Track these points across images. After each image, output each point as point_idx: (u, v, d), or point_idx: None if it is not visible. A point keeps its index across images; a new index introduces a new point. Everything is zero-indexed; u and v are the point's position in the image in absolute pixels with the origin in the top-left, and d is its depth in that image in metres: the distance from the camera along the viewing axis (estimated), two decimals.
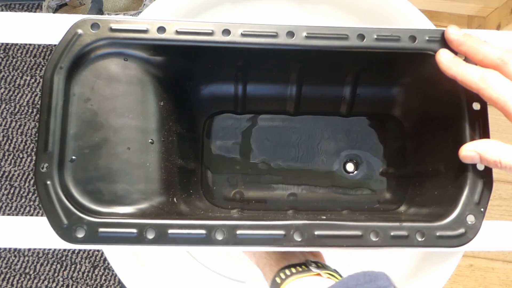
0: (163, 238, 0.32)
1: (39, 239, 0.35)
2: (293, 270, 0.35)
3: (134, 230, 0.32)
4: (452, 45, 0.34)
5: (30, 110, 0.92)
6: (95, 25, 0.34)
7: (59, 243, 0.33)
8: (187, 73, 0.40)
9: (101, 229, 0.32)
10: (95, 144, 0.34)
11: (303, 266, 0.35)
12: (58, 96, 0.33)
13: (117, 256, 0.44)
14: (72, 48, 0.34)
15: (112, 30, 0.34)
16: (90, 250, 0.84)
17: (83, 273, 0.89)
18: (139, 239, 0.32)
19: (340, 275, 0.36)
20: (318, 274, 0.34)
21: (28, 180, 0.92)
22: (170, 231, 0.32)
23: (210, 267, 0.48)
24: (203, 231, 0.32)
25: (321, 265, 0.36)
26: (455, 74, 0.33)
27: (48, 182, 0.32)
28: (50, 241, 0.35)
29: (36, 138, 0.33)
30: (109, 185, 0.34)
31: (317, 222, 0.33)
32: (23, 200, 0.91)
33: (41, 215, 0.89)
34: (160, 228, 0.32)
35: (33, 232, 0.35)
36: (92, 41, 0.34)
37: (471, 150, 0.32)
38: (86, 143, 0.34)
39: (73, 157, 0.33)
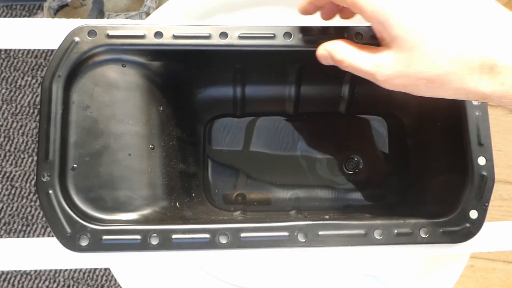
0: (167, 243, 0.32)
1: (43, 260, 0.34)
2: None
3: (138, 237, 0.32)
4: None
5: (31, 111, 0.92)
6: (92, 32, 0.34)
7: (64, 263, 0.33)
8: (185, 77, 0.40)
9: (104, 237, 0.32)
10: (96, 152, 0.34)
11: None
12: (57, 105, 0.33)
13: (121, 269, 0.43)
14: (69, 56, 0.34)
15: (109, 36, 0.34)
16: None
17: (84, 273, 0.89)
18: (143, 245, 0.32)
19: None
20: None
21: (29, 180, 0.91)
22: (174, 236, 0.32)
23: (211, 273, 0.48)
24: (207, 235, 0.32)
25: None
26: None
27: (50, 191, 0.32)
28: (55, 262, 0.34)
29: (37, 139, 0.33)
30: (111, 192, 0.34)
31: (321, 222, 0.33)
32: (24, 201, 0.91)
33: (42, 216, 0.89)
34: (164, 233, 0.32)
35: (37, 253, 0.34)
36: (89, 49, 0.34)
37: (323, 49, 0.32)
38: (87, 150, 0.34)
39: (74, 165, 0.33)
